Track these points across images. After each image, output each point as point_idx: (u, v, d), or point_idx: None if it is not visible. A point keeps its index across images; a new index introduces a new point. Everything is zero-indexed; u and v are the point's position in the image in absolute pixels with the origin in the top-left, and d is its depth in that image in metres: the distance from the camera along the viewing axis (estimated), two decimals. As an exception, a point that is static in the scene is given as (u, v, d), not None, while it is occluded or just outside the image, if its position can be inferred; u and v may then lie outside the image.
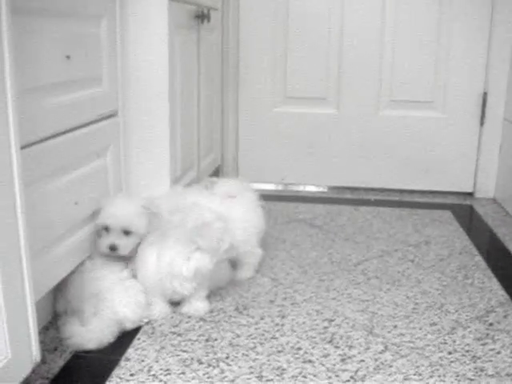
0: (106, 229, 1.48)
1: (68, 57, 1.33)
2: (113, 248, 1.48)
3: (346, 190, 2.78)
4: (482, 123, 2.64)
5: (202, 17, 2.08)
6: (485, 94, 2.60)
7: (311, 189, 2.81)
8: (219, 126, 2.66)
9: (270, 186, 2.81)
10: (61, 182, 1.32)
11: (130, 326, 1.41)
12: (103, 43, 1.55)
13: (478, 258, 1.95)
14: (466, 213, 2.49)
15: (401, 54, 2.63)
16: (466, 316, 1.54)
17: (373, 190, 2.77)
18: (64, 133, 1.33)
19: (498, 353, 1.36)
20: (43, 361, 1.26)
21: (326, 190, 2.80)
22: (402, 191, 2.75)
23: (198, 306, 1.52)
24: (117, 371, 1.26)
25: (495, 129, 2.62)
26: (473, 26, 2.56)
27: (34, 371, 1.09)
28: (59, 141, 1.30)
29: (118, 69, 1.65)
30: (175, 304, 1.54)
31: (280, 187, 2.82)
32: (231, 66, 2.70)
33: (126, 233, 1.50)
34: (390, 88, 2.67)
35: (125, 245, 1.49)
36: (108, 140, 1.60)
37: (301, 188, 2.81)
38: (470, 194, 2.72)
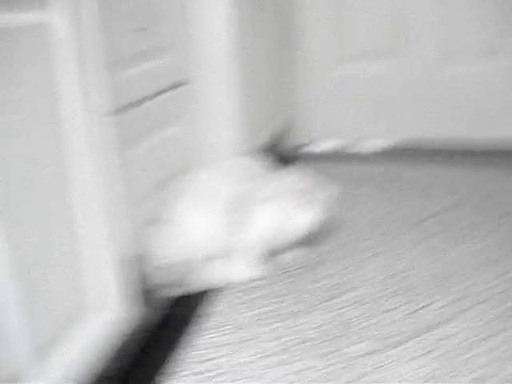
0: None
1: (143, 29, 1.40)
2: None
3: (414, 142, 2.76)
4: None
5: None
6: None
7: (378, 143, 2.79)
8: (284, 87, 2.69)
9: (338, 143, 2.82)
10: (142, 147, 1.40)
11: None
12: (175, 12, 1.60)
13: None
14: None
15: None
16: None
17: (436, 141, 2.74)
18: (142, 100, 1.40)
19: None
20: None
21: (391, 144, 2.78)
22: (472, 141, 2.69)
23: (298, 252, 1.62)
24: (203, 325, 1.34)
25: None
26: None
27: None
28: (139, 109, 1.37)
29: (188, 37, 1.70)
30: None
31: (348, 144, 2.82)
32: (290, 28, 2.71)
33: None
34: (453, 39, 2.62)
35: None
36: (182, 107, 1.66)
37: (368, 143, 2.81)
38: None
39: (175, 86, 1.61)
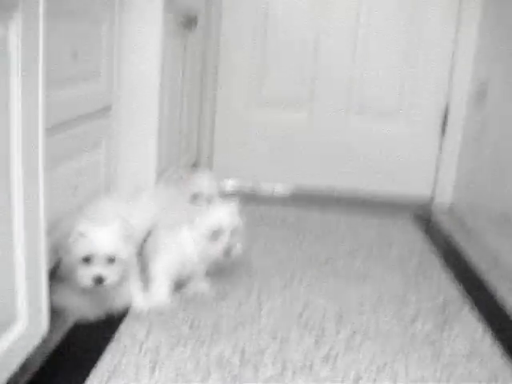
0: (87, 259, 1.39)
1: (75, 54, 1.45)
2: (99, 280, 1.39)
3: (314, 190, 2.92)
4: (443, 134, 2.83)
5: (189, 25, 2.21)
6: (446, 107, 2.79)
7: (281, 188, 2.94)
8: (197, 124, 2.78)
9: (241, 184, 2.93)
10: (62, 169, 1.43)
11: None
12: (103, 44, 1.66)
13: (435, 258, 2.12)
14: (425, 216, 2.68)
15: (370, 71, 2.80)
16: (426, 307, 1.70)
17: (339, 191, 2.92)
18: (67, 123, 1.43)
19: (454, 339, 1.53)
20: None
21: (294, 189, 2.93)
22: (366, 193, 2.91)
23: (203, 285, 1.68)
24: (112, 345, 1.37)
25: (455, 141, 2.81)
26: (437, 48, 2.75)
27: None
28: (63, 131, 1.41)
29: (114, 67, 1.76)
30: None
31: (252, 185, 2.94)
32: (211, 70, 2.83)
33: (111, 261, 1.41)
34: (359, 99, 2.84)
35: (112, 273, 1.41)
36: (103, 132, 1.71)
37: (270, 187, 2.94)
38: (430, 200, 2.90)
39: (99, 111, 1.66)
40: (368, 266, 2.01)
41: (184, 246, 1.64)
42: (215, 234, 1.60)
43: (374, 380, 1.32)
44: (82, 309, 1.46)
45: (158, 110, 1.87)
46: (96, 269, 1.38)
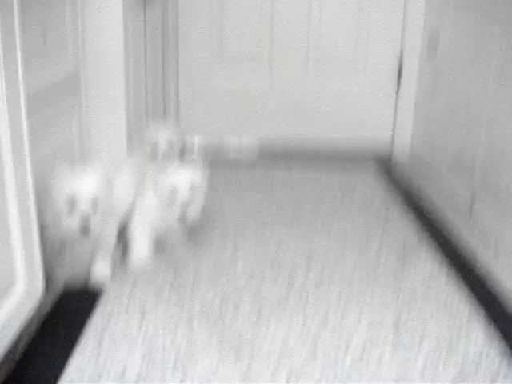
0: (71, 203, 1.41)
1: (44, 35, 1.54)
2: (85, 231, 1.42)
3: (278, 140, 3.03)
4: (399, 82, 2.97)
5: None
6: (401, 55, 2.93)
7: (244, 142, 3.05)
8: (161, 88, 2.86)
9: (208, 140, 3.04)
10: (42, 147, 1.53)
11: None
12: (68, 23, 1.74)
13: (396, 202, 2.28)
14: (385, 163, 2.83)
15: (326, 23, 2.91)
16: (388, 241, 1.87)
17: (302, 140, 3.04)
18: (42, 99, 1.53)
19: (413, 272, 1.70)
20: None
21: (259, 141, 3.04)
22: (329, 141, 3.03)
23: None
24: (102, 298, 1.51)
25: (410, 87, 2.95)
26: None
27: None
28: (41, 108, 1.51)
29: (79, 47, 1.84)
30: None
31: (217, 141, 3.05)
32: (172, 34, 2.90)
33: (95, 206, 1.43)
34: (316, 50, 2.95)
35: (96, 221, 1.44)
36: (74, 108, 1.81)
37: (235, 142, 3.05)
38: (390, 147, 3.05)
39: (70, 88, 1.75)
40: (334, 210, 2.16)
41: (149, 206, 1.72)
42: (171, 197, 1.64)
43: (343, 310, 1.47)
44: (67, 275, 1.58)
45: (124, 81, 1.96)
46: (80, 220, 1.40)
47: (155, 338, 1.35)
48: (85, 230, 1.42)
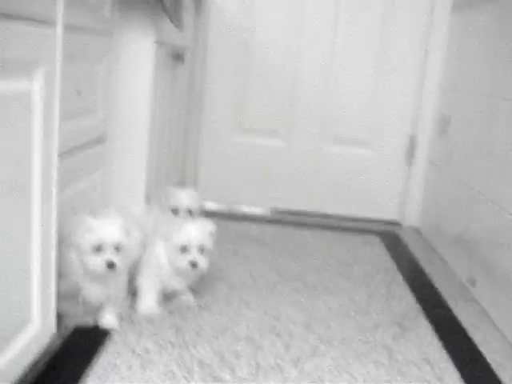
0: (98, 248, 1.55)
1: (79, 92, 1.65)
2: (111, 265, 1.56)
3: (290, 213, 3.14)
4: (409, 162, 3.07)
5: (178, 57, 2.42)
6: (413, 136, 3.04)
7: (259, 210, 3.15)
8: (183, 150, 2.99)
9: (224, 206, 3.14)
10: (67, 192, 1.62)
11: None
12: (101, 80, 1.86)
13: (398, 276, 2.34)
14: (391, 238, 2.90)
15: (343, 101, 3.05)
16: (386, 319, 1.91)
17: (313, 214, 3.14)
18: (71, 151, 1.63)
19: (409, 347, 1.74)
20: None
21: (272, 212, 3.15)
22: (338, 217, 3.14)
23: (187, 297, 1.90)
24: (106, 349, 1.56)
25: (421, 168, 3.05)
26: (406, 77, 3.00)
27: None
28: (68, 157, 1.60)
29: (110, 101, 1.96)
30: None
31: (232, 207, 3.15)
32: (196, 98, 3.04)
33: (118, 249, 1.58)
34: (333, 127, 3.08)
35: (119, 260, 1.58)
36: (99, 160, 1.90)
37: (251, 209, 3.16)
38: (397, 224, 3.14)
39: (98, 141, 1.86)
40: (336, 280, 2.22)
41: (159, 258, 1.82)
42: (183, 248, 1.77)
43: (336, 382, 1.52)
44: (77, 315, 1.65)
45: (148, 138, 2.08)
46: (106, 256, 1.55)
47: (152, 392, 1.40)
48: (111, 265, 1.55)
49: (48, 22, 1.16)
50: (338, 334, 1.78)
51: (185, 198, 2.18)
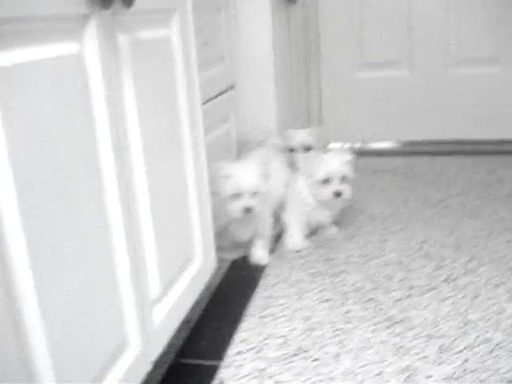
0: (237, 195, 1.65)
1: (205, 43, 1.71)
2: (248, 210, 1.65)
3: (420, 143, 3.07)
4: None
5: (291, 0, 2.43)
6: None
7: (389, 144, 3.11)
8: (306, 90, 3.00)
9: (352, 144, 3.13)
10: (206, 139, 1.70)
11: None
12: (223, 29, 1.91)
13: (547, 192, 2.24)
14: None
15: (464, 17, 2.89)
16: (537, 234, 1.86)
17: (444, 142, 3.05)
18: (206, 102, 1.70)
19: None
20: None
21: (402, 145, 3.10)
22: (471, 142, 3.02)
23: (332, 230, 1.96)
24: (262, 282, 1.65)
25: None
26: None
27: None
28: (205, 107, 1.68)
29: (234, 48, 2.02)
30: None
31: (361, 144, 3.14)
32: (313, 38, 3.03)
33: (255, 194, 1.67)
34: (456, 49, 2.94)
35: (257, 204, 1.67)
36: (230, 108, 1.97)
37: (379, 144, 3.12)
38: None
39: (227, 89, 1.92)
40: (479, 202, 2.17)
41: (301, 192, 1.88)
42: (326, 181, 1.81)
43: (491, 297, 1.50)
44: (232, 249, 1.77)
45: (273, 81, 2.12)
46: (244, 201, 1.65)
47: (313, 316, 1.46)
48: (248, 210, 1.65)
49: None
50: (488, 252, 1.75)
51: (299, 136, 2.19)
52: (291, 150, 2.16)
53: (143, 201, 1.04)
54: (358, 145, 3.12)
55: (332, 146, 3.07)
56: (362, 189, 2.37)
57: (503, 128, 2.99)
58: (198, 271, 1.35)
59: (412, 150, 3.01)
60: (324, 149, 2.22)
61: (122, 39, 0.95)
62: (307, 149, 2.17)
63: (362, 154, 2.90)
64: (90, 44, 0.84)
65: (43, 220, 0.73)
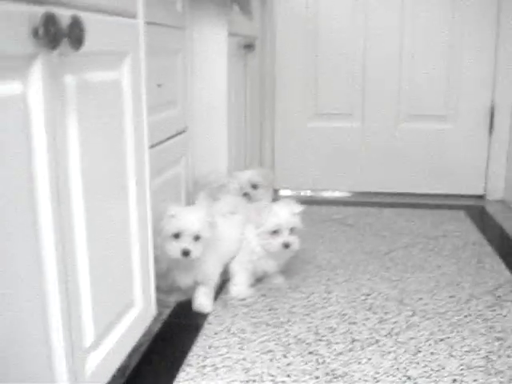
0: (176, 235, 1.63)
1: (159, 85, 1.70)
2: (186, 253, 1.62)
3: (369, 194, 3.13)
4: (490, 132, 2.99)
5: (249, 46, 2.46)
6: (492, 106, 2.95)
7: (339, 194, 3.15)
8: (258, 138, 3.02)
9: (302, 192, 3.16)
10: (155, 182, 1.68)
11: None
12: (178, 73, 1.92)
13: (489, 248, 2.28)
14: (477, 212, 2.84)
15: (416, 77, 2.99)
16: (479, 290, 1.88)
17: (393, 194, 3.11)
18: (156, 145, 1.69)
19: (505, 316, 1.70)
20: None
21: (351, 195, 3.14)
22: (419, 195, 3.09)
23: (278, 279, 1.94)
24: (203, 330, 1.61)
25: (503, 137, 2.96)
26: (480, 51, 2.91)
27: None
28: (154, 150, 1.66)
29: (189, 91, 2.02)
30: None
31: (311, 192, 3.16)
32: (269, 86, 3.07)
33: (196, 238, 1.65)
34: (407, 105, 3.03)
35: (197, 249, 1.64)
36: (181, 151, 1.96)
37: (329, 193, 3.16)
38: (481, 197, 3.06)
39: (179, 132, 1.91)
40: (424, 256, 2.20)
41: (250, 241, 1.87)
42: (275, 232, 1.81)
43: (432, 352, 1.51)
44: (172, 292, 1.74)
45: (226, 125, 2.13)
46: (184, 244, 1.62)
47: (253, 367, 1.43)
48: (186, 252, 1.62)
49: (130, 15, 1.21)
50: (431, 307, 1.76)
51: (246, 174, 2.20)
52: (244, 194, 2.17)
53: (81, 244, 1.01)
54: (308, 193, 3.14)
55: (282, 192, 3.09)
56: (311, 238, 2.37)
57: (450, 183, 3.07)
58: (137, 317, 1.31)
59: (361, 200, 3.06)
60: (271, 188, 2.22)
61: (69, 80, 0.93)
62: (254, 187, 2.17)
63: (311, 202, 2.94)
64: (34, 84, 0.82)
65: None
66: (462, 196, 3.07)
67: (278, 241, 1.80)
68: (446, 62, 2.96)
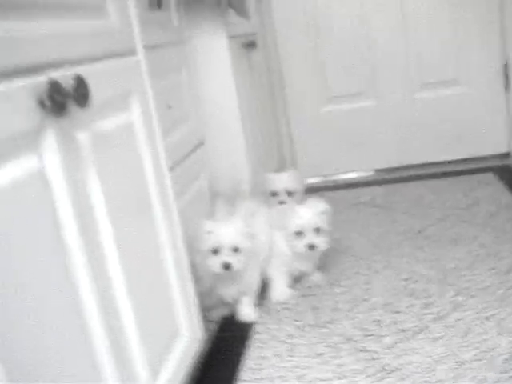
0: (215, 251, 1.64)
1: (169, 106, 1.70)
2: (227, 266, 1.63)
3: (393, 170, 3.09)
4: (506, 89, 2.93)
5: (250, 44, 2.44)
6: (506, 63, 2.89)
7: (363, 174, 3.13)
8: (275, 132, 3.01)
9: (327, 177, 3.14)
10: (181, 201, 1.69)
11: None
12: (185, 87, 1.91)
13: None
14: (505, 171, 2.79)
15: (424, 46, 2.93)
16: (519, 258, 1.86)
17: (416, 166, 3.07)
18: (176, 164, 1.69)
19: (550, 282, 1.69)
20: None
21: (375, 173, 3.12)
22: (443, 163, 3.05)
23: (316, 277, 1.94)
24: (251, 341, 1.63)
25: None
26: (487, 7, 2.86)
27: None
28: (175, 170, 1.67)
29: (198, 104, 2.01)
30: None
31: (335, 177, 3.14)
32: (277, 78, 3.05)
33: (235, 250, 1.66)
34: (418, 74, 2.98)
35: (237, 261, 1.66)
36: (201, 163, 1.96)
37: (353, 175, 3.14)
38: (507, 155, 3.01)
39: (196, 146, 1.91)
40: (459, 229, 2.17)
41: (279, 246, 1.87)
42: (299, 233, 1.81)
43: (482, 332, 1.49)
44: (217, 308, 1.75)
45: (242, 130, 2.12)
46: (223, 257, 1.63)
47: (307, 374, 1.44)
48: (226, 266, 1.62)
49: (130, 53, 1.21)
50: (473, 283, 1.75)
51: (281, 180, 2.20)
52: (273, 195, 2.17)
53: (119, 286, 1.02)
54: (332, 177, 3.13)
55: (310, 180, 3.07)
56: (342, 226, 2.36)
57: (473, 145, 3.03)
58: (184, 347, 1.32)
59: (386, 177, 3.03)
60: (302, 195, 2.22)
61: (82, 137, 0.93)
62: (289, 194, 2.17)
63: (337, 187, 2.92)
64: (48, 152, 0.83)
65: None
66: (487, 157, 3.02)
67: (302, 242, 1.80)
68: (452, 23, 2.90)
